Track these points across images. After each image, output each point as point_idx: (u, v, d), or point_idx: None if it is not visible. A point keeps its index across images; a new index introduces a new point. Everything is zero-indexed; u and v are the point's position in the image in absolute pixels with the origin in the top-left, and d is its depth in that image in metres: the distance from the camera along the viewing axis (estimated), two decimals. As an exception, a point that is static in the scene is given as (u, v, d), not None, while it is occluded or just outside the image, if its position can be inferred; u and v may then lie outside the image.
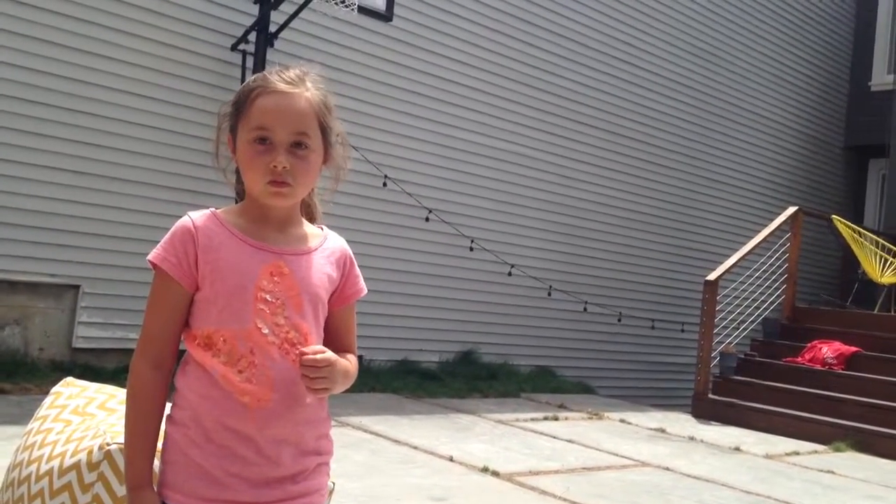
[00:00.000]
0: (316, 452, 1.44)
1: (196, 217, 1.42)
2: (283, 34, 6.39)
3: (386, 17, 7.00)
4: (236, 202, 1.50)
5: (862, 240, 9.06)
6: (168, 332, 1.40)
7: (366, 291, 1.54)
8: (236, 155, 1.43)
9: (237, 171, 1.48)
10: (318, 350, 1.36)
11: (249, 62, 6.26)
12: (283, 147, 1.37)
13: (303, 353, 1.35)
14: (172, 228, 1.41)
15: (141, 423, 1.38)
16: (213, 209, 1.45)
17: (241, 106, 1.42)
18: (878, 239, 9.18)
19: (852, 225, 9.12)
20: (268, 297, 1.38)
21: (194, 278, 1.38)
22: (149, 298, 1.41)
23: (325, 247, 1.48)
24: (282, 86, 1.39)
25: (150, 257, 1.40)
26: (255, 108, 1.38)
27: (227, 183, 1.51)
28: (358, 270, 1.53)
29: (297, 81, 1.41)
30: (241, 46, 6.30)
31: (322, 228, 1.52)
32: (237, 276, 1.37)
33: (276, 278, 1.39)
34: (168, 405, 1.44)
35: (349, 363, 1.46)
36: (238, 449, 1.35)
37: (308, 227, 1.50)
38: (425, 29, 7.59)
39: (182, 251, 1.38)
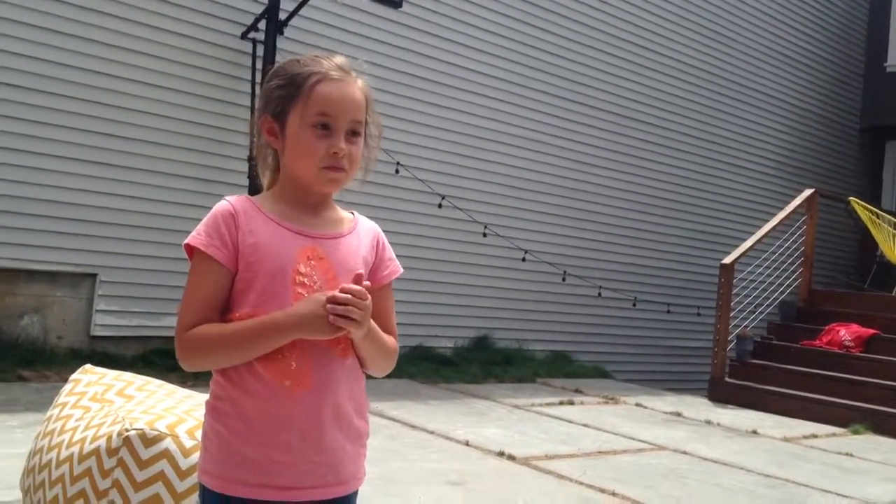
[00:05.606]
0: (357, 435, 1.44)
1: (234, 200, 1.42)
2: (292, 22, 6.38)
3: (396, 2, 6.97)
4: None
5: (880, 221, 8.98)
6: (209, 311, 1.36)
7: (402, 271, 1.56)
8: (286, 139, 1.42)
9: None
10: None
11: (260, 50, 6.26)
12: (341, 133, 1.40)
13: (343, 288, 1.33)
14: (212, 211, 1.40)
15: (231, 332, 1.34)
16: (245, 196, 1.46)
17: (296, 90, 1.40)
18: (896, 220, 9.10)
19: (870, 206, 9.04)
20: (305, 280, 1.39)
21: (235, 260, 1.37)
22: (187, 285, 1.38)
23: (357, 230, 1.50)
24: (338, 73, 1.42)
25: (189, 241, 1.38)
26: (317, 94, 1.39)
27: (262, 163, 1.49)
28: (391, 251, 1.56)
29: (348, 70, 1.44)
30: (252, 34, 6.30)
31: (353, 213, 1.54)
32: (276, 259, 1.38)
33: (312, 262, 1.41)
34: (206, 396, 1.44)
35: (388, 338, 1.48)
36: (281, 434, 1.35)
37: (340, 212, 1.51)
38: (435, 14, 7.56)
39: (226, 232, 1.37)
